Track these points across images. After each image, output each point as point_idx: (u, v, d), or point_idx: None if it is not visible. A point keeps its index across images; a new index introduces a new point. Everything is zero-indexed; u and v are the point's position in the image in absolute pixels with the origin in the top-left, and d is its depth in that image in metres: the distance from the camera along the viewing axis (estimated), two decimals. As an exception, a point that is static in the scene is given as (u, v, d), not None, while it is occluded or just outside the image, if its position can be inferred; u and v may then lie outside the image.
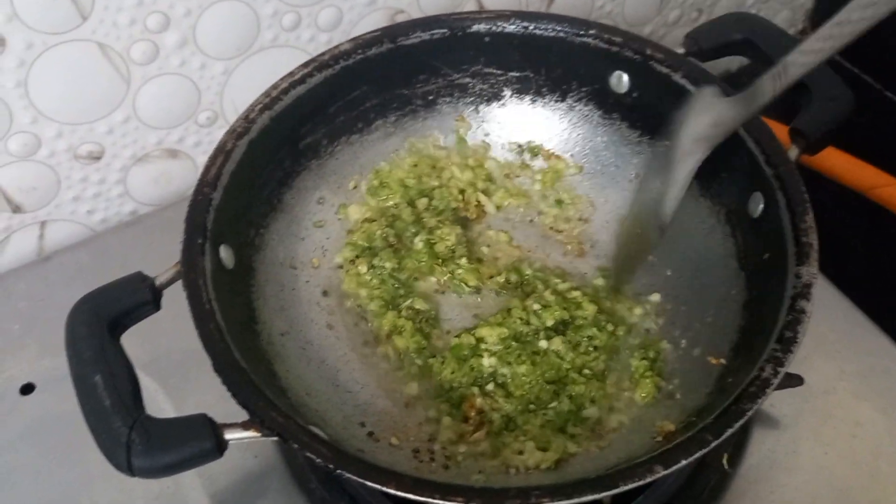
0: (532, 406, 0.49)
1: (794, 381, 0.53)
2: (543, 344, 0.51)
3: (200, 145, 0.69)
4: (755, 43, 0.54)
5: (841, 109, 0.50)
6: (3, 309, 0.63)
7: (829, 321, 0.59)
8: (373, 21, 0.68)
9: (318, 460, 0.36)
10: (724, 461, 0.52)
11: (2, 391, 0.58)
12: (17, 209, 0.64)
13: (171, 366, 0.57)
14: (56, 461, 0.55)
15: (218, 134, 0.69)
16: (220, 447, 0.37)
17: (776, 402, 0.56)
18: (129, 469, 0.35)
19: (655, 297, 0.54)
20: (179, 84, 0.64)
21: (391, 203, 0.58)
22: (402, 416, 0.49)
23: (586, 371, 0.50)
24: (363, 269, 0.55)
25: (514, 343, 0.51)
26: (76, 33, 0.57)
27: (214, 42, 0.63)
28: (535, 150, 0.62)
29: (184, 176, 0.70)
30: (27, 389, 0.58)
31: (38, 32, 0.55)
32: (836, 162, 0.75)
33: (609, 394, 0.50)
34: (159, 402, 0.56)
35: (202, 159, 0.70)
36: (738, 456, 0.53)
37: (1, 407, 0.57)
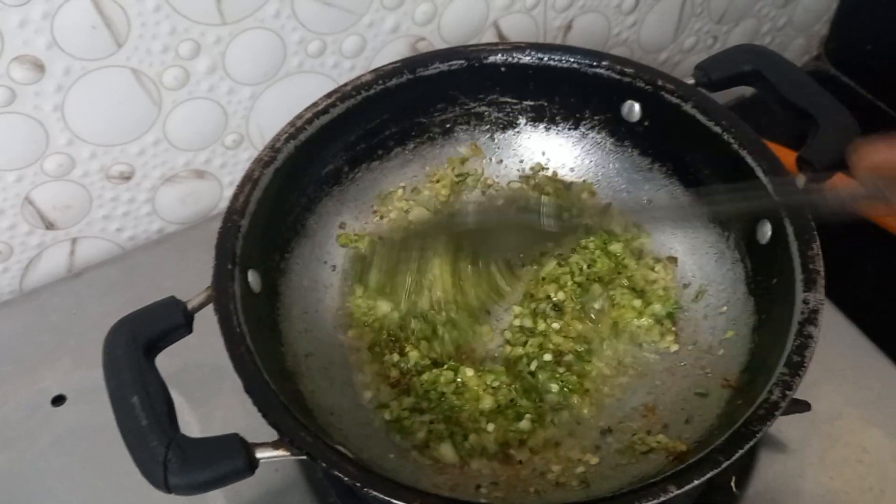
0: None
1: (801, 406, 0.54)
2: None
3: (226, 167, 0.71)
4: (763, 74, 0.55)
5: (847, 138, 0.51)
6: (36, 322, 0.65)
7: (837, 347, 0.60)
8: (395, 48, 0.69)
9: (346, 479, 0.37)
10: (732, 483, 0.53)
11: (34, 402, 0.60)
12: (50, 226, 0.67)
13: (196, 381, 0.59)
14: (86, 470, 0.56)
15: (243, 156, 0.71)
16: (252, 466, 0.38)
17: (783, 426, 0.56)
18: (166, 486, 0.36)
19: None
20: (208, 108, 0.66)
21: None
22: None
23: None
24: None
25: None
26: (112, 60, 0.59)
27: (242, 68, 0.64)
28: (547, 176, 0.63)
29: (210, 196, 0.72)
30: (58, 401, 0.60)
31: (76, 59, 0.57)
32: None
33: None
34: (184, 416, 0.56)
35: (227, 180, 0.73)
36: (746, 479, 0.54)
37: (33, 418, 0.59)
